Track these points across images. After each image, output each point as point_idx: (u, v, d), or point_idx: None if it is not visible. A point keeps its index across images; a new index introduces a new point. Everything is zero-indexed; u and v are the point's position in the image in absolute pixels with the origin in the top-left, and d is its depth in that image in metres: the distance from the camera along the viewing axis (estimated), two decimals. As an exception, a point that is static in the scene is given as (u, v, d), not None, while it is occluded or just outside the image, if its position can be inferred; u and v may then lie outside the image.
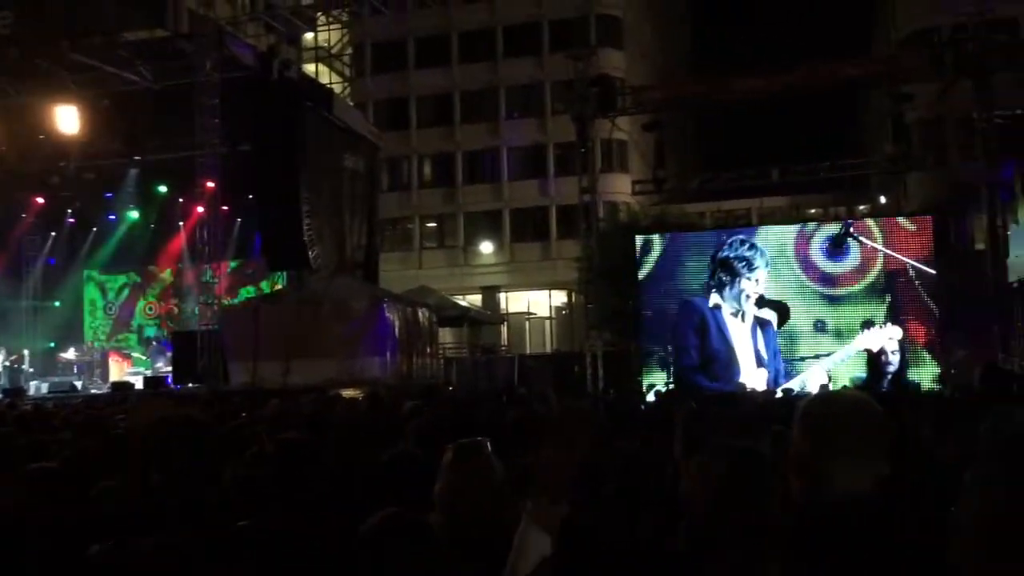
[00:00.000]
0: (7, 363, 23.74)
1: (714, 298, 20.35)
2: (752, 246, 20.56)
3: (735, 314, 20.14)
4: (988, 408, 4.83)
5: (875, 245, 19.55)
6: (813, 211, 43.26)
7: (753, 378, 19.23)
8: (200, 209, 22.16)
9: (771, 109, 37.91)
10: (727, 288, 20.31)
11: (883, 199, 38.94)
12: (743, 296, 20.17)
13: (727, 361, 19.86)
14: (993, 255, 19.89)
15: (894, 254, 19.43)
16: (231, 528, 3.15)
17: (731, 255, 20.43)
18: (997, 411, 3.42)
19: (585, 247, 23.88)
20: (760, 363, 19.76)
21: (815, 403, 2.46)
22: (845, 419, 2.34)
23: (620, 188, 39.30)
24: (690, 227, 27.85)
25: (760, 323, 19.99)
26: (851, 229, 19.90)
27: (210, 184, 20.99)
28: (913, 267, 19.29)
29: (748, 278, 20.17)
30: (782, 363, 19.76)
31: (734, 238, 20.80)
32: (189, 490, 3.05)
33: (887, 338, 19.14)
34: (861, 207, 41.93)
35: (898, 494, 2.32)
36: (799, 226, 21.30)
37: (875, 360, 19.12)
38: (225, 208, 22.69)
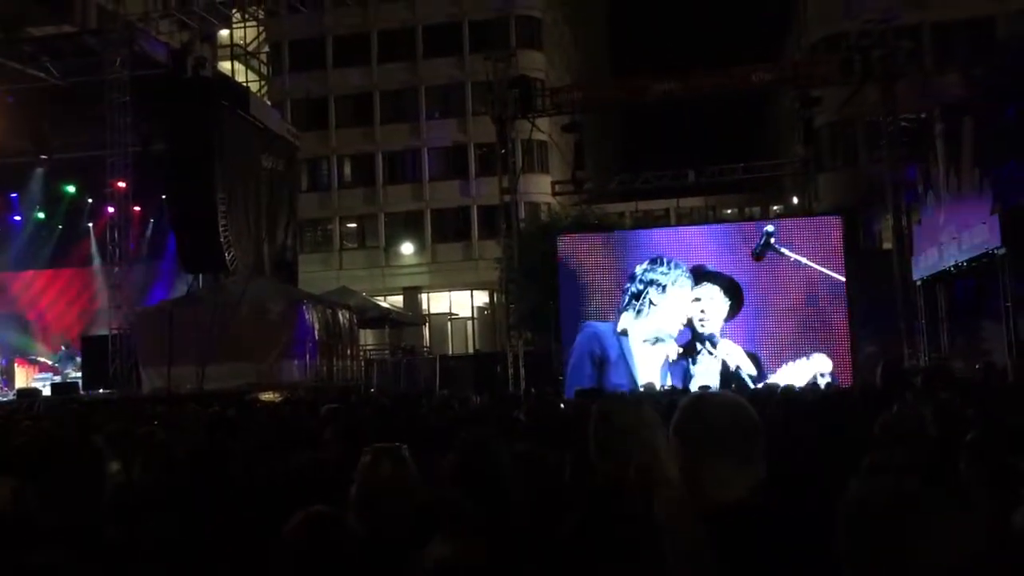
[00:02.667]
0: None
1: (624, 321, 19.92)
2: (668, 264, 20.03)
3: (650, 342, 19.55)
4: (887, 404, 5.01)
5: (796, 257, 19.89)
6: (728, 211, 44.36)
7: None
8: (111, 210, 21.55)
9: (688, 111, 38.67)
10: (638, 313, 19.75)
11: (795, 199, 40.01)
12: (655, 324, 19.60)
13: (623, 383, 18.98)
14: (899, 254, 20.61)
15: (813, 265, 19.80)
16: (111, 543, 3.06)
17: (643, 278, 19.90)
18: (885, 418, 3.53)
19: (506, 247, 23.97)
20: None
21: (687, 409, 2.41)
22: (718, 424, 2.30)
23: (541, 188, 39.53)
24: (610, 227, 28.20)
25: (687, 353, 19.46)
26: (772, 240, 20.17)
27: (121, 184, 20.46)
28: (827, 276, 19.69)
29: (657, 304, 19.68)
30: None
31: (652, 258, 20.20)
32: (69, 505, 2.95)
33: (816, 372, 18.86)
34: (775, 207, 43.08)
35: (777, 496, 2.32)
36: (723, 227, 21.53)
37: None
38: (137, 209, 22.14)
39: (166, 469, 3.72)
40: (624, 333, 19.80)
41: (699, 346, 19.50)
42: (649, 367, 19.46)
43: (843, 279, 19.72)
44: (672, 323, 19.66)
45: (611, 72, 57.51)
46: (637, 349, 19.71)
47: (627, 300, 19.95)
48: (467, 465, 3.32)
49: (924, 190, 16.86)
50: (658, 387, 17.54)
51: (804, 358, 19.25)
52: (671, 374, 19.31)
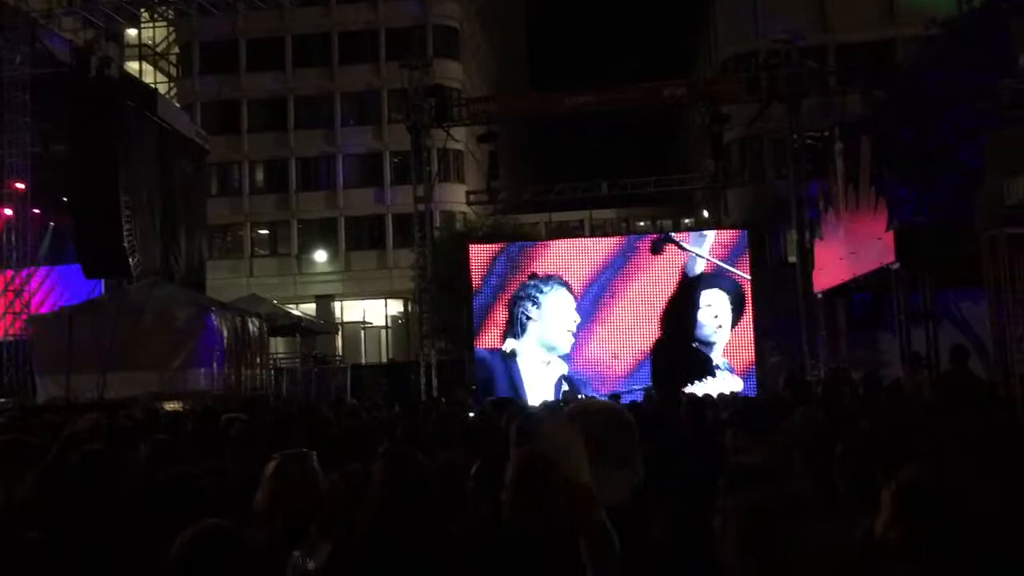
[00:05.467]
0: None
1: (509, 343, 19.99)
2: (544, 279, 20.20)
3: (539, 359, 19.63)
4: (787, 411, 5.17)
5: (695, 251, 20.43)
6: (641, 223, 45.09)
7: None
8: (8, 212, 20.77)
9: (602, 125, 39.24)
10: (521, 332, 19.85)
11: (706, 213, 40.92)
12: (535, 339, 19.70)
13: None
14: (802, 268, 21.26)
15: (712, 259, 20.37)
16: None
17: (518, 294, 19.98)
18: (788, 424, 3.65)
19: (420, 256, 23.91)
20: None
21: (571, 415, 2.49)
22: (597, 430, 2.37)
23: (456, 198, 39.57)
24: (523, 237, 28.39)
25: (568, 380, 19.61)
26: (672, 235, 20.67)
27: (20, 185, 19.77)
28: (728, 272, 20.31)
29: (534, 318, 19.82)
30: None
31: (530, 277, 20.24)
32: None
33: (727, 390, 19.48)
34: (686, 220, 44.01)
35: (656, 498, 2.40)
36: (626, 237, 21.94)
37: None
38: (36, 211, 21.39)
39: (55, 482, 3.60)
40: (512, 355, 19.88)
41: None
42: (540, 385, 19.61)
43: (748, 277, 20.34)
44: (554, 334, 19.78)
45: (528, 84, 57.99)
46: (526, 369, 19.77)
47: (509, 321, 20.11)
48: (392, 473, 3.33)
49: (825, 206, 17.45)
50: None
51: (713, 377, 19.73)
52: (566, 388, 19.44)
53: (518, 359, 19.80)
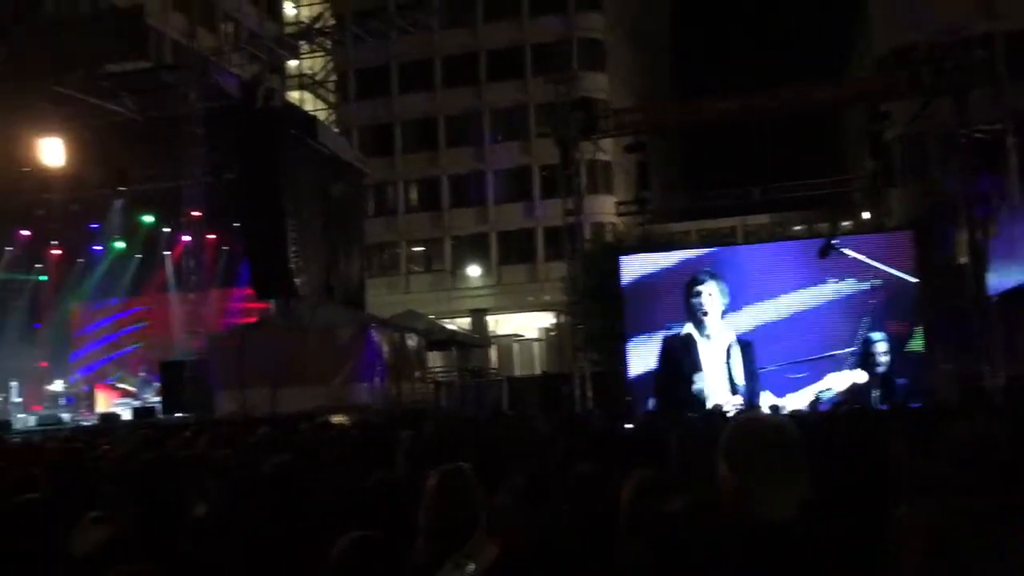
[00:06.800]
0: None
1: (687, 327, 20.10)
2: (706, 262, 20.39)
3: (707, 338, 19.76)
4: (959, 420, 4.91)
5: (858, 256, 19.70)
6: (797, 228, 43.71)
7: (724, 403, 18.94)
8: (186, 238, 22.17)
9: (753, 128, 38.30)
10: (692, 313, 19.96)
11: (865, 215, 39.25)
12: (701, 316, 19.78)
13: (697, 391, 19.36)
14: (974, 269, 20.08)
15: (878, 264, 19.57)
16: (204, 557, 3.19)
17: (687, 280, 20.20)
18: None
19: (571, 268, 23.99)
20: (734, 389, 19.23)
21: (735, 430, 2.46)
22: (765, 445, 2.35)
23: (605, 209, 39.55)
24: (674, 246, 28.03)
25: (741, 344, 19.51)
26: (834, 242, 20.00)
27: (196, 213, 21.03)
28: (897, 278, 19.42)
29: (698, 297, 19.83)
30: (761, 382, 19.41)
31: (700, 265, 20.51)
32: (161, 522, 3.09)
33: (851, 381, 18.85)
34: (844, 223, 42.33)
35: (825, 517, 2.34)
36: (780, 243, 21.38)
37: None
38: (211, 237, 22.71)
39: (242, 493, 3.84)
40: (689, 336, 19.85)
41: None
42: (712, 362, 19.72)
43: (914, 280, 19.41)
44: (714, 312, 19.84)
45: (674, 92, 57.31)
46: (702, 346, 19.82)
47: (686, 311, 20.11)
48: (532, 486, 3.38)
49: (998, 203, 16.44)
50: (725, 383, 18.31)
51: (844, 371, 19.03)
52: (738, 363, 19.41)
53: (695, 339, 19.80)
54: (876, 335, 19.04)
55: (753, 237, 40.94)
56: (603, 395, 21.69)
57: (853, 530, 2.44)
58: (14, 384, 24.38)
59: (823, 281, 19.65)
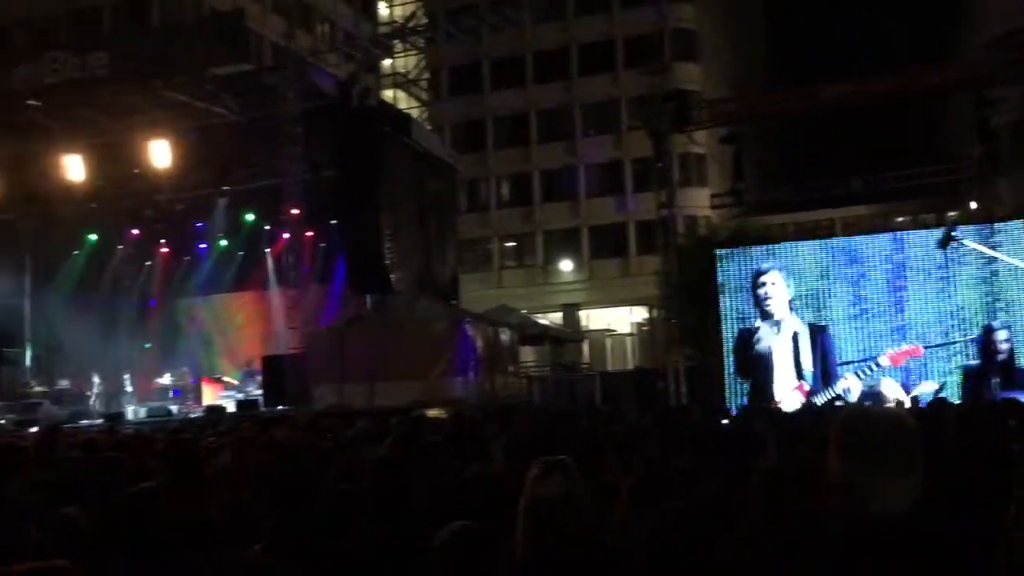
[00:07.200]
0: (98, 391, 24.67)
1: (756, 320, 20.14)
2: (766, 255, 20.40)
3: (775, 328, 19.64)
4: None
5: (979, 247, 19.04)
6: (901, 219, 42.27)
7: (788, 392, 18.82)
8: (286, 235, 22.74)
9: (853, 116, 37.21)
10: (758, 304, 19.97)
11: (973, 204, 37.71)
12: (767, 307, 19.72)
13: (766, 379, 19.36)
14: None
15: (998, 254, 18.87)
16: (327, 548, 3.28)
17: (753, 272, 20.19)
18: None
19: (664, 262, 23.76)
20: (800, 374, 19.21)
21: (849, 421, 2.39)
22: (879, 437, 2.29)
23: (699, 202, 39.03)
24: (769, 240, 27.49)
25: (812, 331, 19.36)
26: (954, 232, 19.40)
27: (294, 211, 21.52)
28: (1015, 267, 18.68)
29: (762, 288, 19.75)
30: (833, 368, 19.18)
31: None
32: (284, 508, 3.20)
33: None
34: (951, 213, 40.75)
35: (938, 511, 2.27)
36: (891, 234, 20.77)
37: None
38: (310, 234, 23.21)
39: (352, 480, 3.96)
40: (757, 328, 19.76)
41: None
42: (780, 350, 19.58)
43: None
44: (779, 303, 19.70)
45: (771, 79, 56.06)
46: (768, 336, 19.69)
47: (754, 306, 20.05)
48: (643, 483, 3.37)
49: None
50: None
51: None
52: (807, 350, 19.24)
53: (765, 337, 19.54)
54: (996, 323, 18.54)
55: (852, 229, 39.76)
56: (698, 390, 21.44)
57: (967, 530, 2.36)
58: (126, 377, 25.45)
59: (940, 269, 19.13)
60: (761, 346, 19.63)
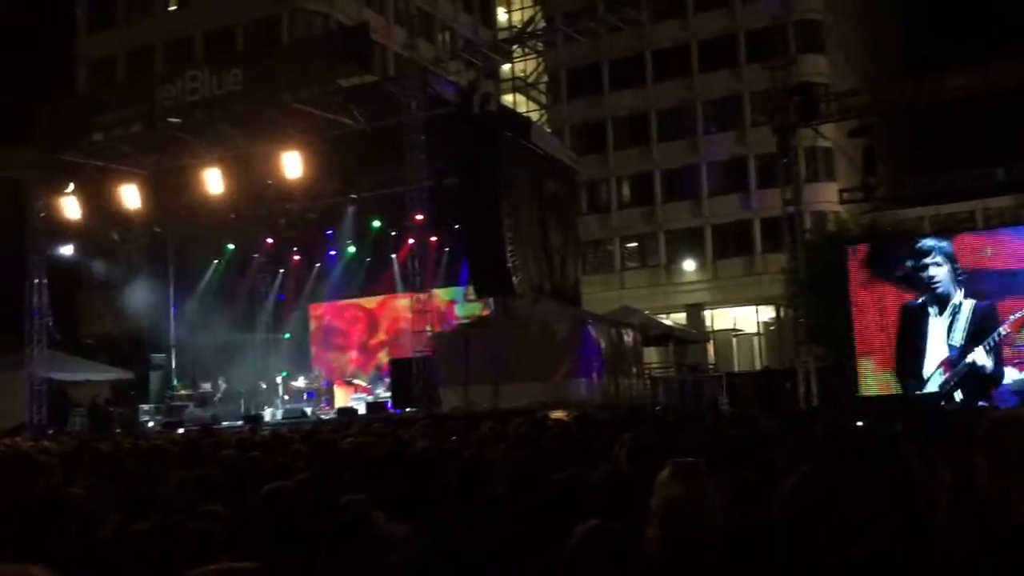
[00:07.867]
0: (220, 394, 25.82)
1: (922, 298, 20.08)
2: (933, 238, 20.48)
3: (937, 305, 19.68)
4: None
5: None
6: (1047, 210, 39.91)
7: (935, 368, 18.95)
8: (410, 241, 23.23)
9: (991, 104, 35.37)
10: (922, 284, 19.94)
11: None
12: (930, 284, 19.71)
13: (920, 360, 19.55)
14: None
15: None
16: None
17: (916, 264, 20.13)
18: None
19: (791, 260, 23.17)
20: (950, 351, 19.24)
21: (996, 426, 2.32)
22: None
23: (826, 197, 37.90)
24: (902, 235, 26.47)
25: (976, 309, 19.25)
26: None
27: (419, 217, 21.95)
28: None
29: (925, 271, 19.76)
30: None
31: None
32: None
33: None
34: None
35: None
36: None
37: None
38: (433, 239, 23.66)
39: (476, 484, 4.06)
40: (922, 307, 19.77)
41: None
42: (935, 328, 19.70)
43: None
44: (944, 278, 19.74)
45: (902, 69, 53.86)
46: (932, 316, 19.76)
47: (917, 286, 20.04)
48: (804, 491, 3.29)
49: None
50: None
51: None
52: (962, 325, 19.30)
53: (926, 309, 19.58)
54: None
55: (995, 221, 37.79)
56: (828, 391, 20.83)
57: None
58: (261, 383, 26.54)
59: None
60: (922, 324, 19.80)
